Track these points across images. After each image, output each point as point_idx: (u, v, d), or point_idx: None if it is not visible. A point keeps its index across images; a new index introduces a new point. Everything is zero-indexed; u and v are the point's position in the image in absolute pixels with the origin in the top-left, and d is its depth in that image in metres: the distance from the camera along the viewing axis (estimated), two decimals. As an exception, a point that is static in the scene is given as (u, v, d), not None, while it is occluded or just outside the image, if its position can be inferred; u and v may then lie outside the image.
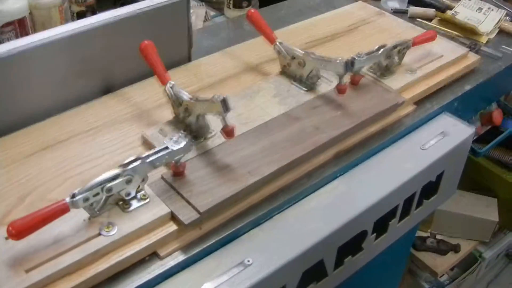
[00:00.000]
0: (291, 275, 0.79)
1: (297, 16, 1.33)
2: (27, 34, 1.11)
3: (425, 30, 1.19)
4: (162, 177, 0.78)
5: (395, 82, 1.04)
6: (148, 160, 0.72)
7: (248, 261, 0.74)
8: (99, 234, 0.69)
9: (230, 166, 0.81)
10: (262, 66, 1.09)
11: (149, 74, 0.97)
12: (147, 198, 0.74)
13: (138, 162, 0.71)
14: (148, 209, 0.73)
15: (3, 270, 0.64)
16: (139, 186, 0.73)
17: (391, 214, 0.93)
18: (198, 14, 1.41)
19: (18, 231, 0.63)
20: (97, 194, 0.69)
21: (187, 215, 0.73)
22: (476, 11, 1.41)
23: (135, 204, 0.73)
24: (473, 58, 1.18)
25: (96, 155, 0.84)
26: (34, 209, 0.66)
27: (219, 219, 0.77)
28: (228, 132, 0.80)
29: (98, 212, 0.70)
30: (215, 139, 0.85)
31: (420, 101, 1.06)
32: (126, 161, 0.71)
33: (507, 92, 1.76)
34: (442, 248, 1.92)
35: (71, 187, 0.76)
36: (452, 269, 1.98)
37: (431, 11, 1.39)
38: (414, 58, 1.10)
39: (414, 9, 1.40)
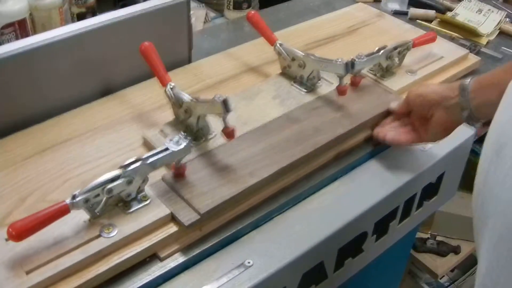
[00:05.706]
0: (291, 277, 0.79)
1: (297, 17, 1.33)
2: (27, 35, 1.11)
3: (425, 32, 1.19)
4: (163, 179, 0.78)
5: (395, 83, 1.04)
6: (148, 161, 0.72)
7: (249, 262, 0.74)
8: (100, 235, 0.69)
9: (231, 167, 0.81)
10: (262, 68, 1.09)
11: (149, 75, 0.97)
12: (147, 199, 0.74)
13: (139, 163, 0.71)
14: (149, 210, 0.73)
15: (3, 271, 0.64)
16: (139, 187, 0.73)
17: (392, 215, 0.92)
18: (198, 16, 1.41)
19: (19, 233, 0.63)
20: (98, 195, 0.69)
21: (187, 217, 0.73)
22: (476, 12, 1.42)
23: (135, 205, 0.73)
24: (473, 59, 1.18)
25: (96, 157, 0.84)
26: (34, 211, 0.66)
27: (219, 220, 0.77)
28: (228, 133, 0.80)
29: (98, 214, 0.70)
30: (216, 140, 0.85)
31: (420, 103, 1.05)
32: (127, 162, 0.71)
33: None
34: (443, 250, 1.91)
35: (70, 188, 0.76)
36: (452, 271, 1.97)
37: (431, 13, 1.39)
38: (414, 59, 1.10)
39: (414, 11, 1.40)
